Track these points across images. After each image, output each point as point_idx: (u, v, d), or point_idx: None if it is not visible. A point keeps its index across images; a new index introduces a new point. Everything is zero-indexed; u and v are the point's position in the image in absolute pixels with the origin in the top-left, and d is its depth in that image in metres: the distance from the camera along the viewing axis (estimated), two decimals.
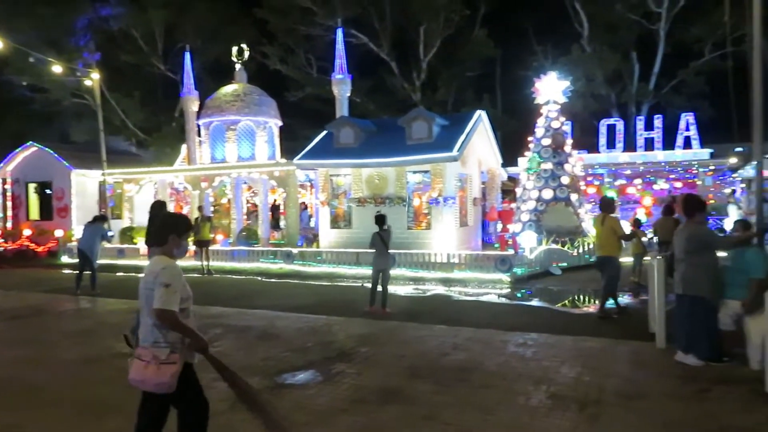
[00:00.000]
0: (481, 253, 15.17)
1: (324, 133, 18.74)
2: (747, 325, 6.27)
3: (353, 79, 23.39)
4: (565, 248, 15.72)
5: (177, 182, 21.54)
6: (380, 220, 10.36)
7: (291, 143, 27.55)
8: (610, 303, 9.69)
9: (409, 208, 16.80)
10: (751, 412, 5.05)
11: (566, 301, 11.41)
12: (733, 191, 21.56)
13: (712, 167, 22.87)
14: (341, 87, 21.27)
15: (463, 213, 17.41)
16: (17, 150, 22.55)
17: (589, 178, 23.40)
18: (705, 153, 22.47)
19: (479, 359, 6.92)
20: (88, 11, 31.63)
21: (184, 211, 21.89)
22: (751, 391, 5.54)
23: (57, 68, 22.19)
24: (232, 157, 21.39)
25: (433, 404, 5.41)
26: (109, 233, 14.17)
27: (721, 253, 6.77)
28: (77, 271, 13.06)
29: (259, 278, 15.32)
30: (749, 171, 19.60)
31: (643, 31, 31.03)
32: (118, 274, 16.77)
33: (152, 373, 3.41)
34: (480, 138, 18.13)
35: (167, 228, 3.67)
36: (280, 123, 22.94)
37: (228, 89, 22.19)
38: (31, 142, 22.67)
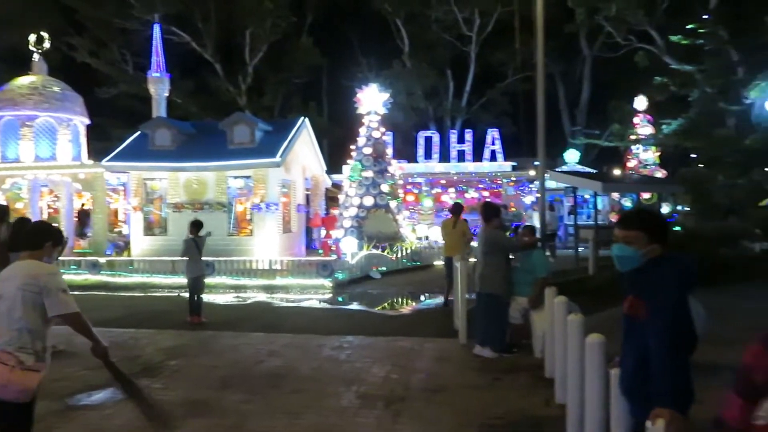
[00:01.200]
0: (303, 259, 15.22)
1: (137, 133, 17.53)
2: (532, 318, 7.05)
3: (173, 78, 22.25)
4: (385, 253, 16.37)
5: None
6: (196, 225, 9.94)
7: (103, 144, 25.26)
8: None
9: (230, 215, 16.33)
10: (532, 396, 5.67)
11: (385, 304, 11.88)
12: (555, 199, 24.06)
13: (513, 178, 25.37)
14: (158, 86, 20.08)
15: (286, 219, 17.36)
16: None
17: (409, 186, 24.67)
18: (508, 165, 24.90)
19: (294, 365, 6.92)
20: None
21: None
22: (534, 377, 6.21)
23: None
24: (28, 156, 19.03)
25: (241, 413, 5.29)
26: None
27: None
28: None
29: None
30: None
31: (457, 51, 33.60)
32: None
33: (17, 378, 3.26)
34: (304, 144, 18.24)
35: (44, 234, 3.60)
36: (87, 121, 20.90)
37: (23, 81, 19.73)
38: None
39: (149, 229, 16.51)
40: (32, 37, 20.59)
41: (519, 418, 5.11)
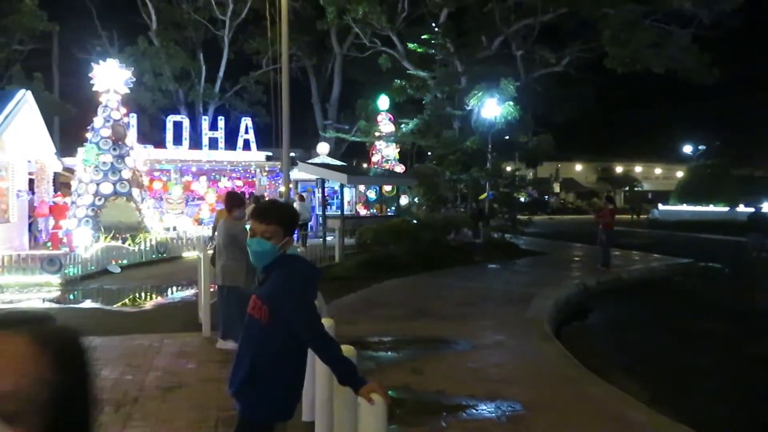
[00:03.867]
0: (23, 254, 13.29)
1: None
2: None
3: None
4: (126, 245, 15.16)
5: None
6: None
7: None
8: None
9: None
10: None
11: (125, 300, 11.04)
12: (306, 190, 24.46)
13: (267, 168, 25.52)
14: None
15: (2, 208, 14.97)
16: None
17: (156, 173, 23.17)
18: (262, 155, 24.92)
19: None
20: None
21: None
22: None
23: None
24: None
25: None
26: None
27: None
28: None
29: None
30: (296, 173, 22.67)
31: (209, 34, 32.42)
32: None
33: None
34: (26, 122, 15.85)
35: None
36: None
37: None
38: None
39: None
40: None
41: None
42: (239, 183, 25.58)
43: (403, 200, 21.85)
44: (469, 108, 20.04)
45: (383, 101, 26.85)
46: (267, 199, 15.94)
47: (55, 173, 19.39)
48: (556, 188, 66.67)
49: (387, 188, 23.04)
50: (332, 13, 25.39)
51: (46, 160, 17.67)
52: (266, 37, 29.65)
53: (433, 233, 15.22)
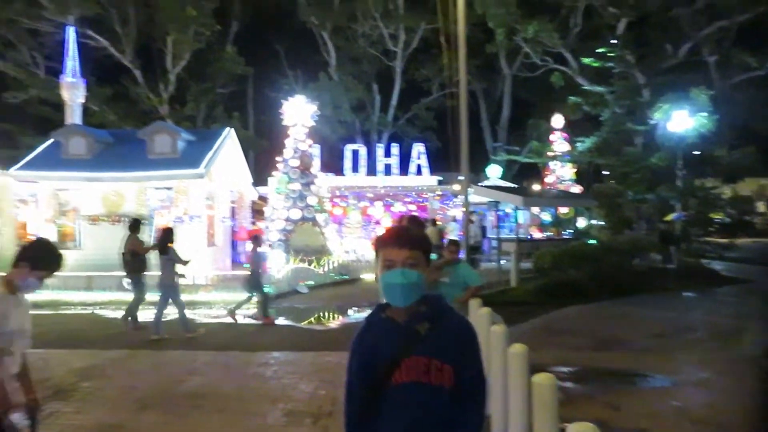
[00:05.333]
0: (228, 274, 14.85)
1: (50, 141, 16.62)
2: None
3: (89, 84, 21.29)
4: (312, 267, 16.25)
5: None
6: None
7: (11, 152, 23.73)
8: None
9: (151, 228, 15.72)
10: None
11: (311, 319, 11.78)
12: (473, 212, 24.62)
13: (439, 192, 25.90)
14: (73, 91, 19.12)
15: (210, 232, 16.90)
16: None
17: (336, 200, 24.65)
18: (433, 180, 25.37)
19: (217, 383, 6.73)
20: None
21: None
22: None
23: None
24: None
25: None
26: None
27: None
28: None
29: None
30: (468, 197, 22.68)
31: (383, 66, 34.07)
32: None
33: None
34: (229, 156, 17.87)
35: (23, 252, 3.11)
36: None
37: None
38: None
39: (62, 242, 15.62)
40: None
41: None
42: (412, 207, 26.24)
43: (581, 222, 20.79)
44: (653, 122, 18.59)
45: (557, 120, 25.98)
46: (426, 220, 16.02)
47: (251, 201, 21.52)
48: (761, 207, 58.89)
49: (563, 210, 22.11)
50: (501, 34, 25.29)
51: (245, 189, 19.70)
52: (436, 65, 30.43)
53: (618, 257, 14.22)
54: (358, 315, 12.02)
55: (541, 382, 3.62)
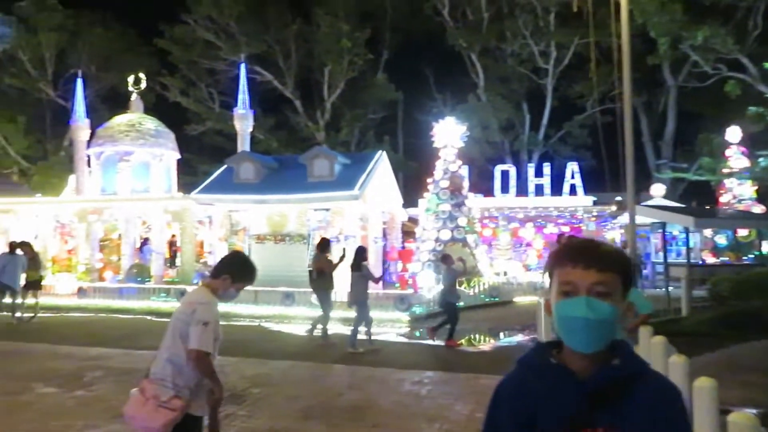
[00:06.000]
0: (380, 292, 15.20)
1: (224, 167, 18.32)
2: None
3: (256, 115, 23.21)
4: (463, 288, 16.11)
5: (63, 215, 20.06)
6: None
7: (190, 178, 26.67)
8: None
9: (309, 247, 16.63)
10: None
11: (462, 340, 11.63)
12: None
13: (595, 213, 24.57)
14: (243, 122, 20.99)
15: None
16: None
17: (485, 221, 24.37)
18: (588, 200, 24.13)
19: (374, 398, 6.85)
20: None
21: (69, 247, 20.39)
22: None
23: None
24: (125, 189, 20.29)
25: None
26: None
27: None
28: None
29: (149, 317, 14.45)
30: (626, 218, 21.20)
31: (533, 84, 33.31)
32: None
33: (146, 413, 3.00)
34: (382, 178, 18.44)
35: (225, 266, 3.38)
36: (177, 156, 22.15)
37: (122, 118, 21.21)
38: None
39: None
40: (131, 79, 22.14)
41: None
42: (565, 229, 25.14)
43: (766, 246, 18.49)
44: None
45: (733, 133, 23.50)
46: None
47: (401, 222, 21.97)
48: None
49: (742, 233, 19.85)
50: (665, 43, 23.59)
51: (396, 210, 20.17)
52: (590, 81, 29.11)
53: None
54: (510, 339, 11.65)
55: (740, 422, 3.10)
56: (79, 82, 22.47)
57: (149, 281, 17.71)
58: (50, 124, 33.22)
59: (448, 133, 18.20)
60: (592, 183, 25.91)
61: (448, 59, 34.15)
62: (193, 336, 3.06)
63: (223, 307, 11.69)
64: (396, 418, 6.07)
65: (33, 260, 13.50)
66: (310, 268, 11.03)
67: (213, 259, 20.05)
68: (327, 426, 5.81)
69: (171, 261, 21.23)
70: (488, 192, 25.30)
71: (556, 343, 1.49)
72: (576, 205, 24.09)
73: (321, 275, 10.81)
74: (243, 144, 20.81)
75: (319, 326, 10.84)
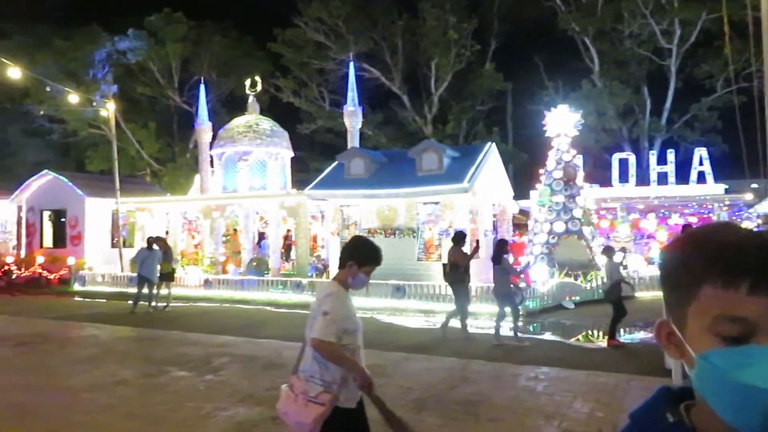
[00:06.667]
0: (491, 286, 14.93)
1: (335, 164, 18.81)
2: None
3: (365, 111, 23.62)
4: (578, 282, 15.47)
5: (189, 212, 21.63)
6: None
7: (302, 175, 27.75)
8: None
9: (418, 240, 16.68)
10: None
11: (579, 336, 11.16)
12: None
13: (727, 202, 22.60)
14: (353, 119, 21.44)
15: (473, 245, 17.24)
16: (32, 178, 22.78)
17: (602, 212, 23.18)
18: (719, 188, 22.19)
19: (489, 393, 6.73)
20: (107, 45, 32.45)
21: (195, 242, 21.93)
22: None
23: (74, 99, 22.59)
24: (244, 187, 21.48)
25: None
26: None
27: None
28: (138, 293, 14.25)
29: (268, 308, 15.19)
30: (765, 207, 19.38)
31: (653, 66, 31.18)
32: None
33: (297, 409, 3.04)
34: (491, 170, 18.09)
35: (348, 252, 3.29)
36: (291, 154, 23.09)
37: (240, 120, 22.44)
38: (46, 170, 22.91)
39: None
40: (247, 82, 23.36)
41: None
42: (693, 219, 23.35)
43: None
44: None
45: None
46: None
47: (512, 215, 21.45)
48: None
49: None
50: None
51: (506, 203, 19.72)
52: (721, 59, 26.79)
53: None
54: (633, 335, 11.00)
55: None
56: (202, 88, 24.05)
57: (267, 274, 18.62)
58: (177, 128, 35.89)
59: (561, 122, 17.45)
60: (723, 169, 23.82)
61: (560, 45, 32.82)
62: (316, 326, 3.06)
63: None
64: (512, 414, 5.92)
65: (166, 254, 14.74)
66: (444, 262, 10.99)
67: (325, 253, 20.73)
68: (442, 418, 5.78)
69: (285, 255, 22.19)
70: (605, 182, 24.03)
71: (684, 393, 0.92)
72: (705, 194, 22.26)
73: (454, 268, 10.70)
74: (353, 140, 21.27)
75: (452, 320, 10.69)
